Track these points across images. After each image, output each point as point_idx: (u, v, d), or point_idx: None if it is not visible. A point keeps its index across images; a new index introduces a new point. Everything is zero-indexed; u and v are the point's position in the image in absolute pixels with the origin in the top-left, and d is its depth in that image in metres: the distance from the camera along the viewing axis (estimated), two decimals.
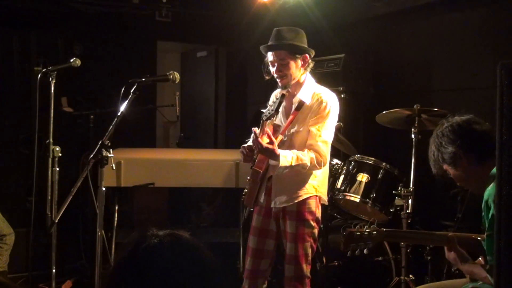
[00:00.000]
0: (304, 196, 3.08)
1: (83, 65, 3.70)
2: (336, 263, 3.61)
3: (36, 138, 3.78)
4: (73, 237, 4.95)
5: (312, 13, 5.04)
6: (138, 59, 5.94)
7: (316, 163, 2.97)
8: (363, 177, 3.73)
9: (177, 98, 5.05)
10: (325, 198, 3.20)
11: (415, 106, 3.45)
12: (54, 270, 3.70)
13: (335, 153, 4.00)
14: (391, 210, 3.66)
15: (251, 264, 3.18)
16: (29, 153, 4.78)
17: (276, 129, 3.05)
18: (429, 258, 3.54)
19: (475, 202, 3.61)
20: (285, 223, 3.11)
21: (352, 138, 4.17)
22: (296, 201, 3.07)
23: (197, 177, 4.41)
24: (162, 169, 4.58)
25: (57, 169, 3.62)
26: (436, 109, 3.47)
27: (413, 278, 3.48)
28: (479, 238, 2.32)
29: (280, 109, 3.11)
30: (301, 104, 3.06)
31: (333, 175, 3.89)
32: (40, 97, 3.73)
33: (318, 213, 3.14)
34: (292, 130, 3.06)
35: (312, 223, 3.09)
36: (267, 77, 3.20)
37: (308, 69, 3.12)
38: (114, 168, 2.82)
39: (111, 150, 2.75)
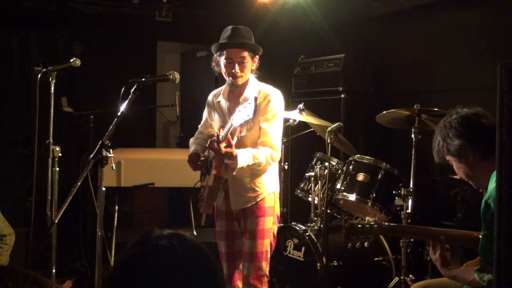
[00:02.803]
0: (264, 194, 3.11)
1: (83, 65, 3.70)
2: (336, 263, 3.61)
3: (36, 138, 3.78)
4: (73, 237, 4.95)
5: (312, 13, 5.04)
6: (138, 59, 5.94)
7: (270, 159, 3.01)
8: (363, 177, 3.73)
9: (177, 98, 5.05)
10: (278, 189, 3.22)
11: (415, 106, 3.45)
12: (54, 270, 3.69)
13: (335, 153, 4.00)
14: (391, 210, 3.66)
15: (228, 269, 3.19)
16: (29, 153, 4.78)
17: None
18: (429, 258, 3.52)
19: (475, 202, 3.62)
20: (245, 221, 3.12)
21: (352, 138, 4.17)
22: (255, 201, 3.09)
23: (197, 177, 4.40)
24: (162, 169, 4.57)
25: (57, 169, 3.61)
26: (436, 109, 3.46)
27: (413, 278, 3.48)
28: (480, 237, 2.30)
29: (224, 110, 3.14)
30: None
31: (333, 175, 3.89)
32: (40, 97, 3.73)
33: (277, 208, 3.17)
34: (244, 132, 3.04)
35: (272, 218, 3.12)
36: (216, 74, 3.19)
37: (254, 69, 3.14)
38: (114, 168, 2.82)
39: (111, 150, 2.74)
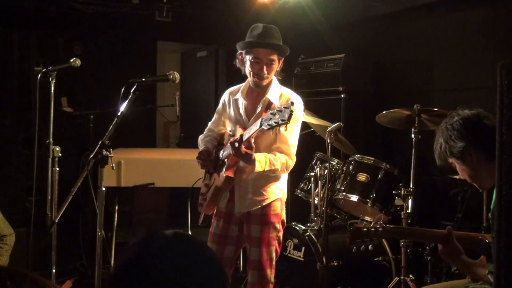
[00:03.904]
0: (271, 199, 3.02)
1: (83, 65, 3.70)
2: (336, 263, 3.61)
3: (36, 138, 3.78)
4: (73, 237, 4.95)
5: (312, 13, 5.04)
6: (138, 59, 5.94)
7: (285, 167, 2.93)
8: (363, 177, 3.73)
9: (177, 98, 5.04)
10: (285, 197, 3.13)
11: (415, 106, 3.45)
12: (54, 270, 3.70)
13: (335, 153, 4.00)
14: (391, 210, 3.66)
15: None
16: (29, 153, 4.78)
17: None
18: (429, 258, 3.54)
19: (475, 202, 3.63)
20: (249, 227, 3.02)
21: (352, 138, 4.17)
22: (261, 205, 3.00)
23: (197, 177, 4.41)
24: (162, 169, 4.57)
25: (57, 169, 3.62)
26: (436, 109, 3.46)
27: (413, 278, 3.48)
28: (487, 241, 2.30)
29: (241, 108, 3.05)
30: (269, 105, 2.95)
31: (333, 175, 3.89)
32: (40, 97, 3.73)
33: (283, 215, 3.09)
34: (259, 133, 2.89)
35: (278, 225, 3.04)
36: (242, 72, 3.07)
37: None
38: (114, 168, 2.82)
39: (111, 150, 2.74)
